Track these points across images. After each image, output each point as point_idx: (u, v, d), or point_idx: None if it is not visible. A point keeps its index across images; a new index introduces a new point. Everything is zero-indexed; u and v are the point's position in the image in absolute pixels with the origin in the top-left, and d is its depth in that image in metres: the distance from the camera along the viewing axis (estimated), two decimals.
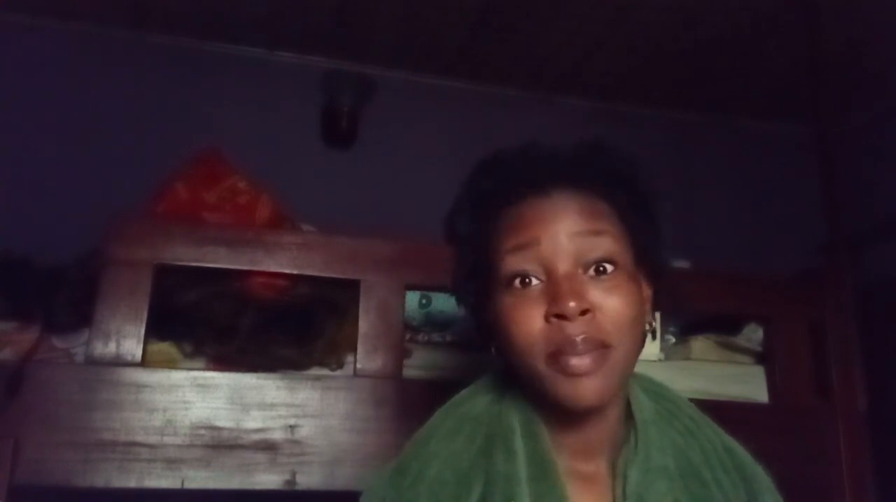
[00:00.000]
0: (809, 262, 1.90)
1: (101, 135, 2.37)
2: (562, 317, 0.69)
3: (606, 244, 0.72)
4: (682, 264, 1.77)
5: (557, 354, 0.69)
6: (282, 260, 1.39)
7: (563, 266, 0.71)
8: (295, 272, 1.40)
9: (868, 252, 2.33)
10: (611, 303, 0.70)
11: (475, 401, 0.82)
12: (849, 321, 1.61)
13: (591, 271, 0.71)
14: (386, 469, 0.79)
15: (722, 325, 1.64)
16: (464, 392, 0.84)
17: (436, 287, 1.42)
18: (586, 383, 0.69)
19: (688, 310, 1.56)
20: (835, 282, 1.64)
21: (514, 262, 0.72)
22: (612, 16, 2.37)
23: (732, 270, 1.73)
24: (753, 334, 1.62)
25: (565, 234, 0.72)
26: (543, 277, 0.72)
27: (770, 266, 2.01)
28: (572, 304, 0.68)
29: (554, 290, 0.70)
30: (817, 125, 1.85)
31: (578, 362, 0.69)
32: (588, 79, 2.78)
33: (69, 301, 1.35)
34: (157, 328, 1.32)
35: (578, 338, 0.69)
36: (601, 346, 0.70)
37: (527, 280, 0.72)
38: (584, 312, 0.69)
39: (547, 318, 0.70)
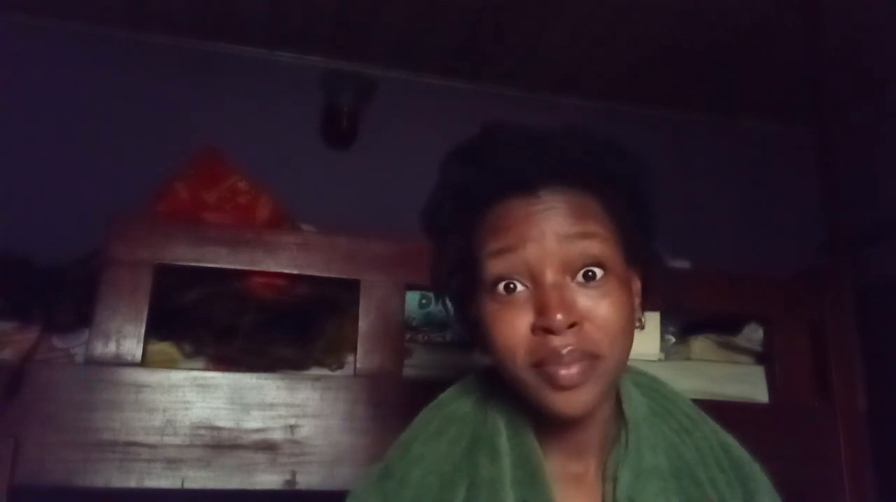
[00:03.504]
0: (809, 262, 1.90)
1: (101, 135, 2.37)
2: (548, 330, 0.65)
3: (595, 247, 0.68)
4: (682, 264, 1.77)
5: (542, 365, 0.66)
6: (282, 260, 1.39)
7: (550, 273, 0.67)
8: (295, 272, 1.40)
9: (868, 252, 2.33)
10: (600, 311, 0.67)
11: (460, 401, 0.80)
12: (849, 321, 1.61)
13: (580, 277, 0.68)
14: (371, 472, 0.77)
15: (722, 325, 1.64)
16: (449, 391, 0.82)
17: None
18: (573, 396, 0.67)
19: (681, 304, 1.55)
20: (835, 282, 1.64)
21: (497, 266, 0.69)
22: (612, 16, 2.37)
23: (732, 270, 1.73)
24: (753, 334, 1.61)
25: (552, 237, 0.68)
26: (529, 284, 0.68)
27: (770, 266, 2.01)
28: (559, 317, 0.65)
29: (541, 301, 0.66)
30: (817, 125, 1.84)
31: (566, 373, 0.66)
32: (588, 79, 2.78)
33: (69, 301, 1.35)
34: (157, 328, 1.32)
35: (564, 351, 0.65)
36: (589, 357, 0.66)
37: (511, 286, 0.68)
38: (571, 325, 0.66)
39: (533, 330, 0.67)
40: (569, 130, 0.75)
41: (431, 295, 1.49)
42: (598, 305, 0.67)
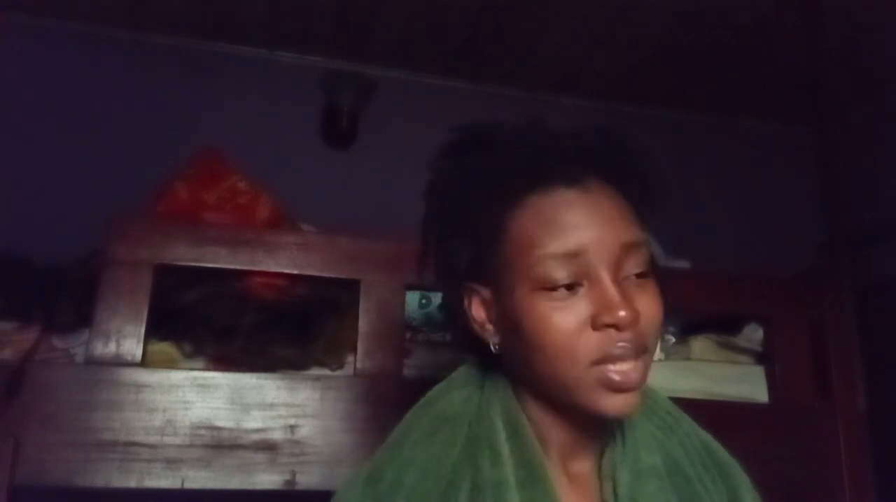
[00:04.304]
0: (809, 262, 1.90)
1: (101, 135, 2.36)
2: (614, 326, 0.66)
3: (646, 256, 0.70)
4: (682, 264, 1.77)
5: (605, 362, 0.66)
6: (282, 260, 1.39)
7: (609, 273, 0.67)
8: (295, 272, 1.40)
9: (868, 252, 2.33)
10: (650, 308, 0.69)
11: (450, 398, 0.78)
12: (849, 321, 1.61)
13: (630, 275, 0.69)
14: (357, 477, 0.74)
15: (722, 325, 1.64)
16: (437, 388, 0.80)
17: (436, 287, 1.42)
18: (627, 398, 0.67)
19: (679, 310, 1.54)
20: (835, 282, 1.64)
21: (555, 268, 0.67)
22: (612, 16, 2.37)
23: (732, 270, 1.73)
24: (753, 334, 1.62)
25: (614, 244, 0.68)
26: (585, 282, 0.68)
27: (770, 266, 2.01)
28: (623, 314, 0.65)
29: (605, 298, 0.66)
30: (817, 125, 1.85)
31: (625, 377, 0.66)
32: (588, 79, 2.78)
33: (69, 301, 1.35)
34: (157, 328, 1.32)
35: (629, 345, 0.66)
36: (644, 352, 0.68)
37: (568, 285, 0.68)
38: (634, 321, 0.67)
39: (594, 326, 0.66)
40: (587, 127, 0.75)
41: (431, 295, 1.49)
42: (647, 302, 0.69)
